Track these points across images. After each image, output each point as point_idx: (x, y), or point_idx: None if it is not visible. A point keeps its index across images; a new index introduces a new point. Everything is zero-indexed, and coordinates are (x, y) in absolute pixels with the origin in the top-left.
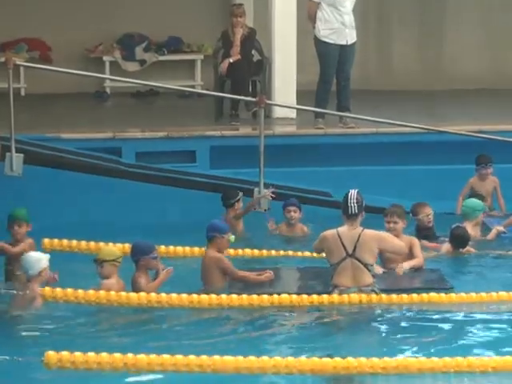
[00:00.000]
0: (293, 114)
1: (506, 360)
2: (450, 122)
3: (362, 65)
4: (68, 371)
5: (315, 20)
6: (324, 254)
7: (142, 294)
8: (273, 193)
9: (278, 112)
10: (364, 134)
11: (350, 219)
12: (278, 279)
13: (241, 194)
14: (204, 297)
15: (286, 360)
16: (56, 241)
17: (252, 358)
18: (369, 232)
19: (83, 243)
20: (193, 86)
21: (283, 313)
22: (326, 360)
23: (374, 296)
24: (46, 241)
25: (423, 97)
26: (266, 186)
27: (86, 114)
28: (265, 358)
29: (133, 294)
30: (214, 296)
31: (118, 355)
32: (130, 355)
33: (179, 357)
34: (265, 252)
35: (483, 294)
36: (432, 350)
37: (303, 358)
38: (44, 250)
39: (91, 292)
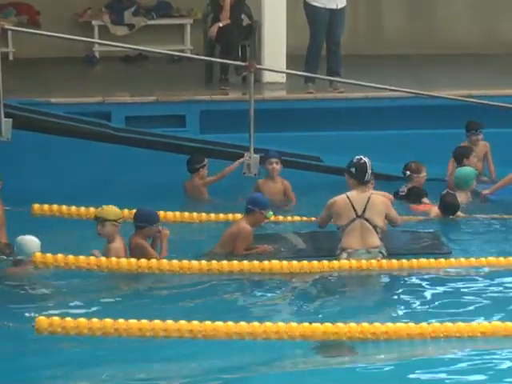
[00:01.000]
0: (283, 78)
1: (495, 325)
2: (439, 86)
3: (351, 30)
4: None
5: None
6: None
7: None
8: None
9: (268, 76)
10: (354, 99)
11: (362, 185)
12: (282, 246)
13: (206, 160)
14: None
15: (276, 325)
16: (46, 206)
17: (243, 323)
18: (377, 196)
19: (73, 208)
20: (182, 51)
21: (281, 278)
22: (316, 325)
23: (379, 259)
24: (36, 206)
25: (413, 62)
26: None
27: (75, 79)
28: (255, 323)
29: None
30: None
31: (108, 321)
32: (121, 321)
33: (170, 322)
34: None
35: (482, 259)
36: (425, 316)
37: (293, 323)
38: (34, 215)
39: (103, 259)
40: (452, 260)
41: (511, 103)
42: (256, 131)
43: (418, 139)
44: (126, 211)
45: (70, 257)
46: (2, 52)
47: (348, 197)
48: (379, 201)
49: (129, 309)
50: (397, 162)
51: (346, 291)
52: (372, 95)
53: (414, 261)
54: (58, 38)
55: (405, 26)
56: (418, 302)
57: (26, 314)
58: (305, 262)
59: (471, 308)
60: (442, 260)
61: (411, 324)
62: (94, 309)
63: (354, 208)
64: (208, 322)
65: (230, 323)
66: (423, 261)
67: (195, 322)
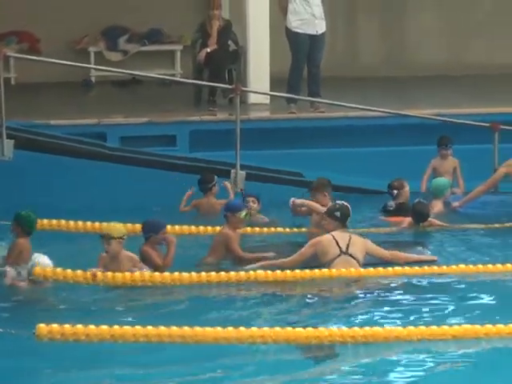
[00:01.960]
0: (267, 100)
1: (466, 328)
2: (412, 106)
3: (330, 53)
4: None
5: (286, 12)
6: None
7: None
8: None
9: (253, 98)
10: (333, 118)
11: (344, 226)
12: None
13: (216, 177)
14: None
15: (261, 330)
16: (45, 221)
17: (230, 328)
18: (357, 236)
19: (71, 223)
20: (173, 75)
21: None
22: (299, 330)
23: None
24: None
25: (387, 83)
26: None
27: (73, 102)
28: (242, 328)
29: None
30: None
31: (105, 327)
32: (116, 327)
33: (162, 328)
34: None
35: (471, 266)
36: (408, 320)
37: (278, 328)
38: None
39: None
40: (425, 268)
41: (479, 121)
42: (242, 149)
43: (392, 155)
44: (129, 225)
45: (69, 271)
46: (4, 77)
47: (332, 235)
48: (359, 240)
49: (127, 317)
50: (372, 177)
51: (330, 297)
52: (351, 115)
53: (390, 269)
54: (57, 63)
55: (380, 50)
56: (391, 308)
57: (27, 322)
58: (297, 271)
59: (443, 312)
60: (417, 267)
61: (387, 327)
62: (92, 317)
63: (338, 245)
64: (198, 328)
65: (219, 328)
66: (408, 269)
67: (186, 328)
